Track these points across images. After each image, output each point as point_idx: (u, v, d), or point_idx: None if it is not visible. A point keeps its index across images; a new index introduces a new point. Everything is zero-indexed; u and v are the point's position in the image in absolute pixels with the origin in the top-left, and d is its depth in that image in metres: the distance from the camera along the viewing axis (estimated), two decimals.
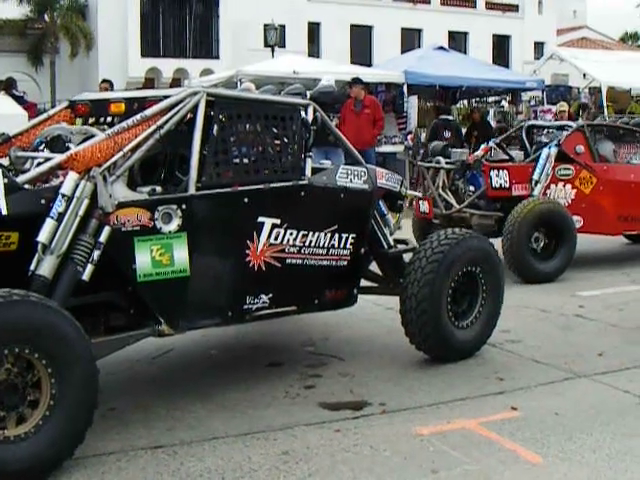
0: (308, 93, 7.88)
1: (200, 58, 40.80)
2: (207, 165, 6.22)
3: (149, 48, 41.01)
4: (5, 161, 6.54)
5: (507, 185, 11.85)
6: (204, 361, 7.74)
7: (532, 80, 25.35)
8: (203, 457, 5.47)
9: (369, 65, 33.13)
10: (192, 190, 6.12)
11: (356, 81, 18.75)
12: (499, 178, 11.83)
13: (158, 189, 6.11)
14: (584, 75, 26.98)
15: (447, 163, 12.67)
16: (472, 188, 12.34)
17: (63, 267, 5.57)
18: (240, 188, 6.43)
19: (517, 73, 33.85)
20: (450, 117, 22.39)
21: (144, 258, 5.89)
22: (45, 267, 5.46)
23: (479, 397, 6.61)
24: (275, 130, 6.81)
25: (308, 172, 6.95)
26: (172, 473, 5.23)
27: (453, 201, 12.44)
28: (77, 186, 5.58)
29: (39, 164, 6.08)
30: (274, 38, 30.35)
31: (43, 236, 5.43)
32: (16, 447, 4.95)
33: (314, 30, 46.80)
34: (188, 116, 6.31)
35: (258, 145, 6.70)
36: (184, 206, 6.05)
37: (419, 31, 48.58)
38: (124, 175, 5.94)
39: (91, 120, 7.10)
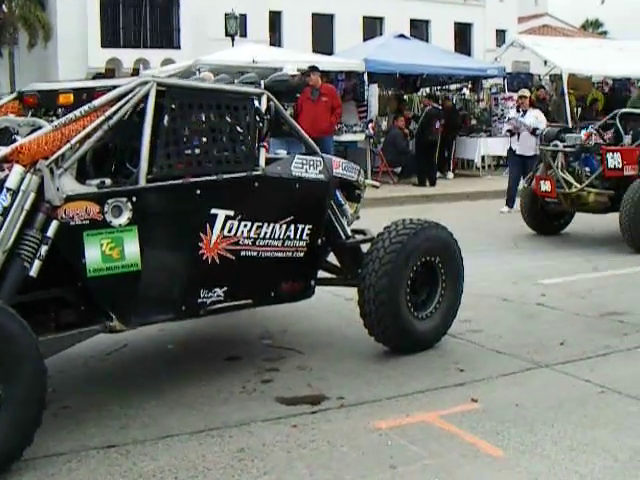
0: (262, 82, 7.70)
1: (161, 48, 40.62)
2: (158, 156, 6.07)
3: (109, 38, 40.78)
4: None
5: (620, 166, 13.06)
6: (160, 356, 7.58)
7: (493, 68, 25.32)
8: (156, 456, 5.32)
9: (331, 54, 33.02)
10: (142, 182, 5.96)
11: (313, 69, 18.65)
12: (614, 160, 13.13)
13: (107, 181, 5.96)
14: (545, 62, 26.97)
15: (565, 147, 13.75)
16: (587, 169, 13.60)
17: (9, 263, 5.42)
18: (192, 180, 6.29)
19: (478, 61, 33.88)
20: (440, 107, 22.37)
21: (94, 252, 5.73)
22: None
23: (439, 389, 6.50)
24: (228, 120, 6.66)
25: (262, 162, 6.82)
26: (124, 473, 5.09)
27: (573, 181, 13.48)
28: (23, 179, 5.44)
29: None
30: (234, 27, 30.16)
31: None
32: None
33: (275, 19, 46.69)
34: (141, 106, 6.17)
35: (210, 135, 6.54)
36: (134, 199, 5.89)
37: (381, 19, 48.58)
38: (72, 168, 5.79)
39: (40, 111, 6.97)
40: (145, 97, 6.08)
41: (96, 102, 5.92)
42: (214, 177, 6.42)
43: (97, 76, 29.28)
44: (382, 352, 7.33)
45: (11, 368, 4.96)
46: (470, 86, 26.92)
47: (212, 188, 6.40)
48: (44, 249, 5.51)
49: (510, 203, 17.46)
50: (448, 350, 7.48)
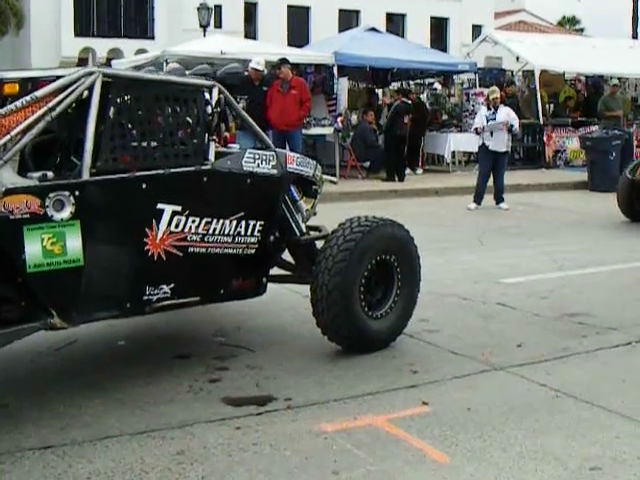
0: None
1: (135, 38, 40.38)
2: (103, 149, 5.90)
3: (83, 27, 40.48)
4: None
5: None
6: (109, 353, 7.38)
7: (464, 63, 25.23)
8: (93, 458, 5.14)
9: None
10: (86, 176, 5.79)
11: (284, 61, 18.48)
12: None
13: (50, 174, 5.78)
14: (517, 58, 26.88)
15: None
16: None
17: None
18: (138, 173, 6.11)
19: (449, 56, 33.71)
20: (409, 101, 22.25)
21: (34, 248, 5.56)
22: None
23: (390, 391, 6.34)
24: (177, 112, 6.52)
25: (212, 156, 6.66)
26: (58, 476, 4.91)
27: None
28: None
29: None
30: (206, 18, 29.93)
31: None
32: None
33: (251, 11, 46.46)
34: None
35: (158, 128, 6.38)
36: (77, 193, 5.72)
37: (357, 12, 48.42)
38: (13, 160, 5.63)
39: None
40: (90, 88, 5.90)
41: (38, 92, 5.76)
42: (161, 171, 6.25)
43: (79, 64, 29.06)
44: (335, 352, 7.17)
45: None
46: (442, 81, 26.80)
47: (159, 182, 6.23)
48: None
49: (478, 200, 17.37)
50: (403, 350, 7.32)
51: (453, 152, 24.21)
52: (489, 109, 17.43)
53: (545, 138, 25.10)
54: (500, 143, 17.29)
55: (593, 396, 6.23)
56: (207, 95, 6.67)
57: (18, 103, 5.68)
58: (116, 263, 6.12)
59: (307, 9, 47.48)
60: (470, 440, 5.43)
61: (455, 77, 26.80)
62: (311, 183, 7.98)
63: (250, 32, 44.75)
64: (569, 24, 76.91)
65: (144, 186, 6.12)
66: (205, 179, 6.56)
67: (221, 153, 7.02)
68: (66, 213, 5.67)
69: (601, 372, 6.88)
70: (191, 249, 6.49)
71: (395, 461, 5.12)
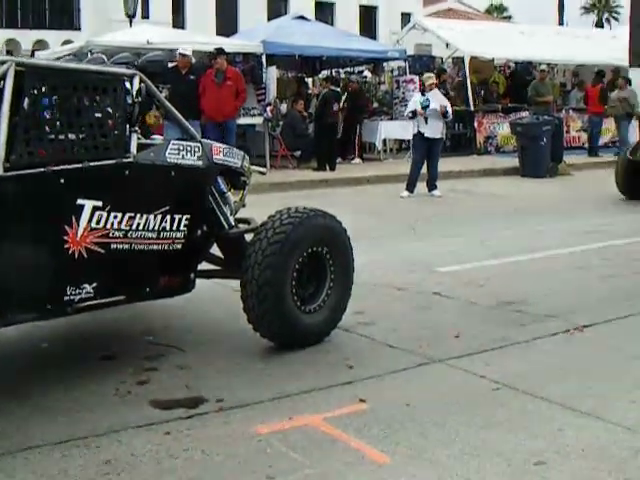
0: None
1: (61, 29, 39.78)
2: (17, 142, 5.57)
3: (7, 19, 39.80)
4: None
5: None
6: (33, 355, 7.08)
7: (394, 50, 25.07)
8: (13, 472, 4.84)
9: None
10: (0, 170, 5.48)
11: (220, 52, 18.21)
12: None
13: None
14: (447, 45, 26.82)
15: None
16: None
17: None
18: (56, 168, 5.77)
19: (379, 43, 33.58)
20: (338, 89, 22.06)
21: None
22: None
23: (326, 388, 6.11)
24: (96, 103, 6.19)
25: (134, 149, 6.33)
26: None
27: None
28: None
29: None
30: (132, 8, 29.40)
31: None
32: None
33: (179, 1, 46.03)
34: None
35: (77, 120, 6.05)
36: None
37: (285, 1, 48.23)
38: None
39: None
40: (2, 78, 5.60)
41: None
42: (80, 165, 5.93)
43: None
44: (268, 348, 6.94)
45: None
46: (371, 69, 26.64)
47: (78, 177, 5.92)
48: None
49: (411, 188, 17.24)
50: (338, 345, 7.11)
51: (384, 140, 24.05)
52: (423, 95, 17.27)
53: (476, 124, 25.10)
54: (435, 130, 17.21)
55: (534, 387, 6.07)
56: (128, 84, 6.36)
57: None
58: (34, 262, 5.78)
59: None
60: (410, 438, 5.23)
61: (385, 65, 26.66)
62: (239, 174, 7.74)
63: (179, 22, 44.34)
64: (497, 12, 77.50)
65: (62, 181, 5.81)
66: (127, 172, 6.25)
67: (144, 145, 6.73)
68: None
69: (541, 362, 6.72)
70: (114, 246, 6.19)
71: (333, 463, 4.90)
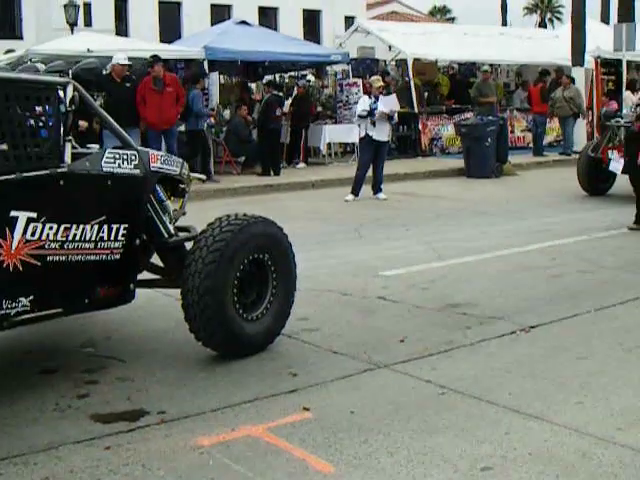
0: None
1: (3, 39, 39.22)
2: None
3: None
4: None
5: None
6: None
7: (337, 53, 24.97)
8: None
9: None
10: None
11: (156, 59, 18.05)
12: None
13: None
14: (390, 47, 26.81)
15: (625, 122, 15.78)
16: None
17: None
18: None
19: (321, 47, 33.53)
20: (280, 93, 21.96)
21: None
22: None
23: (269, 397, 6.01)
24: (29, 112, 6.10)
25: (68, 158, 6.20)
26: None
27: None
28: None
29: None
30: (73, 16, 29.13)
31: None
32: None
33: (121, 8, 45.69)
34: None
35: (8, 129, 5.87)
36: None
37: (229, 7, 48.00)
38: None
39: None
40: None
41: None
42: (12, 176, 5.75)
43: None
44: (211, 358, 6.83)
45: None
46: (314, 72, 26.57)
47: (10, 188, 5.75)
48: None
49: (356, 191, 17.16)
50: (281, 352, 7.01)
51: (329, 144, 23.97)
52: (370, 98, 17.21)
53: (420, 126, 25.08)
54: (383, 133, 17.17)
55: (480, 390, 6.02)
56: (61, 93, 6.21)
57: None
58: None
59: (178, 4, 46.95)
60: (355, 446, 5.14)
61: (328, 68, 26.59)
62: (178, 182, 7.63)
63: (122, 30, 43.98)
64: (440, 14, 77.88)
65: None
66: (61, 182, 6.09)
67: (79, 154, 6.61)
68: None
69: (487, 364, 6.67)
70: (50, 257, 6.04)
71: (276, 474, 4.81)
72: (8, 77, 6.26)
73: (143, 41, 25.66)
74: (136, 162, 6.75)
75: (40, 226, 5.91)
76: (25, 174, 5.84)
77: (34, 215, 5.86)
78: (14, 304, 5.89)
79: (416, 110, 24.96)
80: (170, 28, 45.04)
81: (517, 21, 59.54)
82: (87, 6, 39.08)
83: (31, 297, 5.99)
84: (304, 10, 51.14)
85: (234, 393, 6.09)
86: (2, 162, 5.80)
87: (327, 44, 43.98)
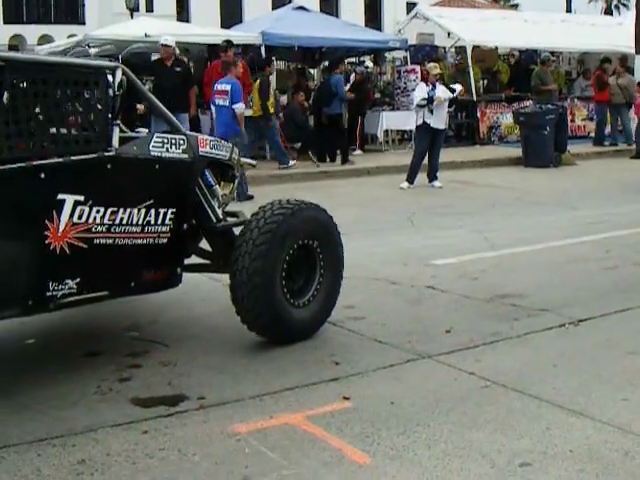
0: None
1: (66, 24, 39.63)
2: None
3: (12, 14, 39.68)
4: None
5: None
6: (18, 352, 6.96)
7: (395, 40, 24.77)
8: None
9: None
10: None
11: (229, 44, 18.00)
12: None
13: None
14: (448, 34, 26.56)
15: None
16: None
17: None
18: (36, 162, 5.67)
19: (380, 33, 33.32)
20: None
21: None
22: None
23: (310, 385, 5.98)
24: (77, 96, 6.15)
25: (116, 142, 6.23)
26: None
27: None
28: None
29: None
30: (133, 1, 29.26)
31: None
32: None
33: None
34: None
35: (57, 113, 5.99)
36: None
37: None
38: None
39: None
40: None
41: None
42: (61, 159, 5.82)
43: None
44: (253, 344, 6.81)
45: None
46: (373, 59, 26.43)
47: (59, 171, 5.82)
48: None
49: (411, 179, 17.07)
50: (325, 341, 6.98)
51: (386, 131, 23.85)
52: (427, 85, 17.09)
53: (479, 114, 24.86)
54: (440, 120, 17.09)
55: (523, 384, 5.92)
56: (110, 77, 6.24)
57: None
58: (15, 258, 5.67)
59: None
60: (392, 437, 5.09)
61: (387, 55, 26.44)
62: (228, 167, 7.62)
63: (183, 15, 44.17)
64: (503, 0, 77.08)
65: (43, 175, 5.71)
66: (109, 166, 6.14)
67: (127, 138, 6.65)
68: None
69: (532, 357, 6.58)
70: (97, 241, 6.09)
71: (311, 463, 4.77)
72: (57, 61, 6.38)
73: (200, 27, 25.72)
74: (184, 147, 6.75)
75: (87, 209, 5.97)
76: (73, 157, 5.90)
77: (81, 198, 5.92)
78: (61, 286, 5.94)
79: (474, 98, 24.72)
80: (231, 14, 45.17)
81: (582, 8, 58.75)
82: None
83: (77, 279, 6.03)
84: None
85: (275, 380, 6.07)
86: (50, 145, 5.87)
87: (388, 31, 43.76)
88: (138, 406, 5.67)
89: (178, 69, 17.68)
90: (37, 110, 5.89)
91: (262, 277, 6.52)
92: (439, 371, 6.29)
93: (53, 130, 5.95)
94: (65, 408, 5.65)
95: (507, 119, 25.01)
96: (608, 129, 25.18)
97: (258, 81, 18.83)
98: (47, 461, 4.86)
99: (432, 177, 17.26)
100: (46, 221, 5.75)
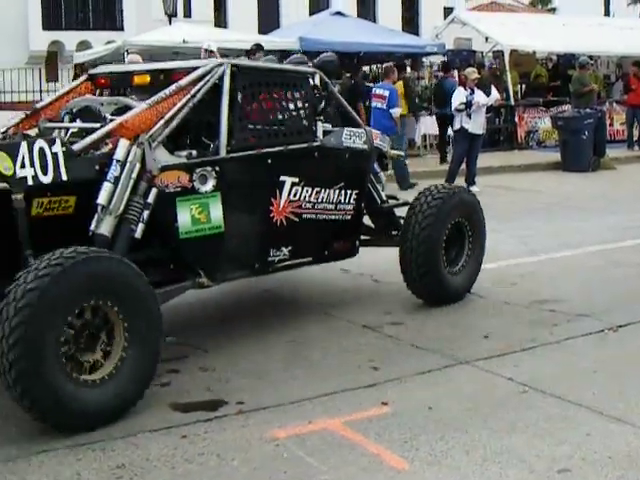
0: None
1: (104, 30, 39.73)
2: (234, 130, 6.80)
3: (51, 20, 39.86)
4: (35, 131, 7.27)
5: None
6: None
7: (433, 44, 24.73)
8: (27, 475, 4.81)
9: None
10: (223, 153, 6.70)
11: (259, 47, 18.02)
12: None
13: (194, 153, 6.62)
14: (486, 39, 26.45)
15: None
16: None
17: (120, 226, 6.07)
18: (263, 150, 7.03)
19: (417, 38, 33.18)
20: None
21: (185, 217, 6.48)
22: (105, 226, 6.00)
23: (348, 391, 5.99)
24: (291, 96, 7.47)
25: (320, 135, 7.61)
26: None
27: None
28: (129, 152, 6.11)
29: (72, 134, 6.93)
30: (172, 7, 29.32)
31: (102, 198, 5.96)
32: (94, 390, 5.40)
33: None
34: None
35: (276, 110, 7.38)
36: (217, 168, 6.62)
37: None
38: (164, 141, 6.43)
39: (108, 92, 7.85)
40: (221, 77, 6.81)
41: (182, 82, 6.69)
42: (282, 148, 7.18)
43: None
44: (292, 350, 6.87)
45: (133, 306, 5.55)
46: (410, 64, 26.37)
47: (280, 158, 7.17)
48: (146, 214, 6.18)
49: (449, 183, 16.97)
50: (364, 346, 7.00)
51: (424, 135, 23.79)
52: (465, 90, 17.05)
53: (517, 119, 24.73)
54: (478, 125, 17.06)
55: (562, 390, 5.90)
56: (311, 81, 7.62)
57: (167, 91, 6.58)
58: (249, 229, 7.02)
59: None
60: (431, 443, 5.09)
61: (424, 60, 26.38)
62: (384, 157, 9.02)
63: (221, 20, 44.21)
64: (541, 4, 76.65)
65: (269, 161, 7.07)
66: (316, 154, 7.53)
67: (325, 132, 7.85)
68: (209, 186, 6.59)
69: (571, 363, 6.56)
70: (304, 215, 7.43)
71: (349, 469, 4.79)
72: (275, 67, 7.90)
73: (238, 32, 25.77)
74: (364, 139, 8.08)
75: (300, 189, 7.34)
76: (290, 146, 7.26)
77: (296, 180, 7.28)
78: (278, 252, 7.27)
79: (512, 102, 24.60)
80: (269, 19, 45.07)
81: (621, 11, 58.21)
82: None
83: (290, 247, 7.35)
84: (403, 1, 50.78)
85: (313, 385, 6.10)
86: (273, 137, 7.21)
87: (426, 35, 43.65)
88: (177, 411, 5.71)
89: None
90: (262, 108, 7.25)
91: (428, 244, 7.83)
92: (477, 376, 6.29)
93: (274, 124, 7.33)
94: None
95: (545, 123, 24.83)
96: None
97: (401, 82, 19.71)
98: (87, 465, 4.91)
99: (470, 182, 17.18)
100: (271, 198, 7.11)
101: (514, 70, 25.08)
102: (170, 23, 27.46)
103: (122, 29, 39.91)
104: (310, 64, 8.57)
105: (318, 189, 7.49)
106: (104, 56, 19.82)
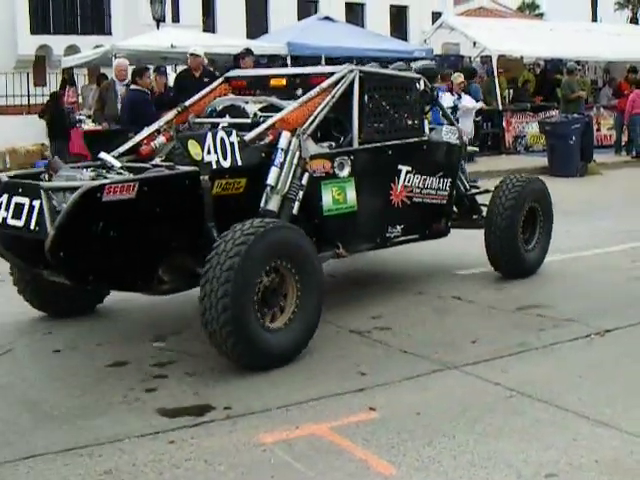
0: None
1: (92, 34, 39.65)
2: (363, 126, 8.15)
3: (39, 25, 39.75)
4: (185, 126, 8.40)
5: None
6: (45, 362, 7.03)
7: (420, 49, 24.80)
8: None
9: None
10: (356, 145, 8.09)
11: (248, 52, 18.00)
12: None
13: (333, 144, 7.96)
14: (474, 43, 26.49)
15: None
16: None
17: (283, 203, 7.31)
18: (386, 143, 8.38)
19: (405, 43, 33.23)
20: None
21: (327, 197, 7.78)
22: (273, 203, 7.25)
23: (336, 396, 5.99)
24: (404, 98, 8.76)
25: (427, 130, 9.07)
26: None
27: None
28: (290, 142, 7.39)
29: (222, 128, 7.74)
30: (159, 12, 29.28)
31: (271, 180, 7.26)
32: (275, 336, 6.50)
33: (209, 3, 45.89)
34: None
35: (394, 110, 8.63)
36: (352, 157, 7.97)
37: (316, 2, 47.91)
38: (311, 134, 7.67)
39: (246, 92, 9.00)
40: (352, 81, 8.10)
41: (324, 84, 7.99)
42: (399, 141, 8.54)
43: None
44: None
45: (304, 264, 6.76)
46: None
47: (398, 149, 8.52)
48: (301, 194, 7.43)
49: None
50: (351, 351, 7.00)
51: None
52: (452, 94, 17.09)
53: (504, 123, 24.75)
54: (466, 130, 17.04)
55: (549, 395, 5.92)
56: (417, 85, 8.91)
57: (312, 92, 7.89)
58: (374, 209, 8.30)
59: (265, 0, 46.98)
60: (418, 448, 5.10)
61: (412, 64, 26.33)
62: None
63: (209, 25, 44.19)
64: (529, 9, 76.82)
65: (390, 152, 8.43)
66: (424, 147, 8.93)
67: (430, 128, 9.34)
68: (346, 172, 7.92)
69: (558, 368, 6.57)
70: (414, 199, 8.75)
71: (337, 474, 4.79)
72: (391, 74, 8.92)
73: (226, 37, 25.75)
74: (457, 135, 9.49)
75: (412, 176, 8.69)
76: (405, 140, 8.65)
77: (409, 168, 8.65)
78: (393, 230, 8.60)
79: (500, 107, 24.63)
80: (257, 24, 45.08)
81: (608, 17, 58.40)
82: (175, 2, 39.36)
83: (402, 226, 8.67)
84: (391, 6, 50.75)
85: (301, 390, 6.10)
86: (392, 132, 8.55)
87: (414, 40, 43.69)
88: (164, 416, 5.70)
89: (207, 80, 17.58)
90: (382, 107, 8.48)
91: (510, 222, 9.20)
92: (465, 381, 6.30)
93: (392, 121, 8.63)
94: (92, 418, 5.70)
95: (533, 128, 24.84)
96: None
97: None
98: (74, 471, 4.91)
99: None
100: (391, 183, 8.48)
101: (502, 75, 25.10)
102: (158, 28, 27.43)
103: (110, 34, 39.83)
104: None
105: (425, 177, 8.84)
106: (92, 60, 19.76)
